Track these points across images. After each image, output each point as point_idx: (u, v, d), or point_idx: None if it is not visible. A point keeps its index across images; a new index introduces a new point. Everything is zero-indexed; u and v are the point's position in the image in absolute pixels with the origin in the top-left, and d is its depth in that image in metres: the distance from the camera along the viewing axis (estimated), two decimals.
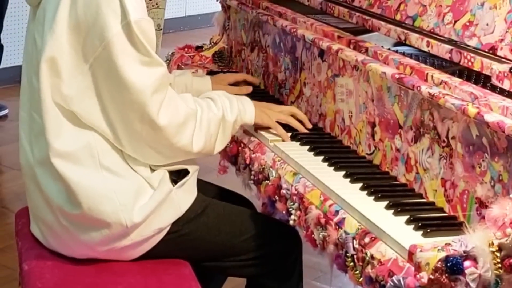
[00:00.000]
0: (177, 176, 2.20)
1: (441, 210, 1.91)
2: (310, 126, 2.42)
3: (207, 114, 2.21)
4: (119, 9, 2.02)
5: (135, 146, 2.12)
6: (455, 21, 2.06)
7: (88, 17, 2.03)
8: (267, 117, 2.38)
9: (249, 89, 2.67)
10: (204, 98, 2.28)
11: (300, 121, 2.42)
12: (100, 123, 2.10)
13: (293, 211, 2.08)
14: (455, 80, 1.92)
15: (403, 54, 2.21)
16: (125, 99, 2.06)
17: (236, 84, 2.71)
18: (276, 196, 2.18)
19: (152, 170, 2.17)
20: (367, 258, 1.77)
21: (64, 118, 2.09)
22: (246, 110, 2.33)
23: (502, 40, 1.89)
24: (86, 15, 2.03)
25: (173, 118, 2.11)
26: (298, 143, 2.32)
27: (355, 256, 1.82)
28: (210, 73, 2.99)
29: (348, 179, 2.07)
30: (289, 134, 2.37)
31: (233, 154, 2.47)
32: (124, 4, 2.02)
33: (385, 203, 1.92)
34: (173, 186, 2.17)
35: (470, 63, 1.94)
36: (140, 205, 2.11)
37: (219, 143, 2.26)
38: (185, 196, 2.20)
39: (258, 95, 2.74)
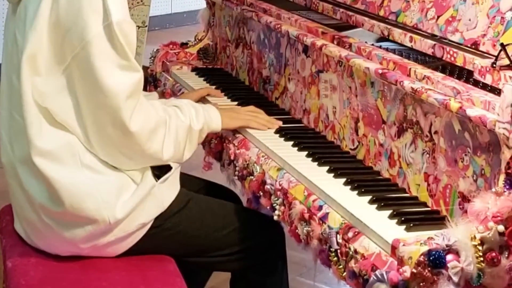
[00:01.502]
0: (159, 171, 2.19)
1: (424, 204, 1.92)
2: (278, 124, 2.41)
3: (175, 121, 2.19)
4: (102, 9, 1.99)
5: (106, 150, 2.10)
6: (438, 17, 2.06)
7: (69, 15, 2.01)
8: (235, 120, 2.38)
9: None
10: (171, 106, 2.26)
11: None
12: (73, 123, 2.08)
13: (277, 207, 2.09)
14: (437, 75, 1.93)
15: (387, 49, 2.22)
16: (100, 101, 2.04)
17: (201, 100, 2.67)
18: (260, 192, 2.18)
19: (132, 168, 2.15)
20: (351, 252, 1.78)
21: (42, 116, 2.08)
22: (212, 119, 2.32)
23: (484, 35, 1.90)
24: (67, 13, 2.01)
25: (145, 124, 2.09)
26: (282, 138, 2.33)
27: (338, 251, 1.82)
28: (195, 69, 3.00)
29: (332, 174, 2.07)
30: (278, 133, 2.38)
31: (218, 150, 2.47)
32: (106, 4, 1.99)
33: (368, 197, 1.93)
34: (156, 181, 2.16)
35: (452, 58, 1.94)
36: (123, 201, 2.11)
37: (187, 150, 2.24)
38: (168, 191, 2.20)
39: (243, 92, 2.75)
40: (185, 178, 2.30)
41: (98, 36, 1.99)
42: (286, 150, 2.24)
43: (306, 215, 1.96)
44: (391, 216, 1.83)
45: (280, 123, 2.42)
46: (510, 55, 1.77)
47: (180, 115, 2.22)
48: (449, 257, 1.57)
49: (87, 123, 2.07)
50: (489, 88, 1.83)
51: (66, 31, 2.02)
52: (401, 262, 1.59)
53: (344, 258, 1.80)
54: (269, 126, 2.40)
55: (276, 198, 2.10)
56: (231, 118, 2.38)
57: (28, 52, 2.04)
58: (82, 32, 2.00)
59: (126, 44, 2.02)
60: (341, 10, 2.40)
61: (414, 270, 1.56)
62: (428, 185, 1.92)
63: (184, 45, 3.15)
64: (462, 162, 1.82)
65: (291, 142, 2.29)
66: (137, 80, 2.07)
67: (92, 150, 2.10)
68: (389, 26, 2.18)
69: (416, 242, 1.59)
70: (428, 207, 1.91)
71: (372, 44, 2.28)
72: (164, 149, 2.15)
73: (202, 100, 2.64)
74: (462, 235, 1.59)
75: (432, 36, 2.05)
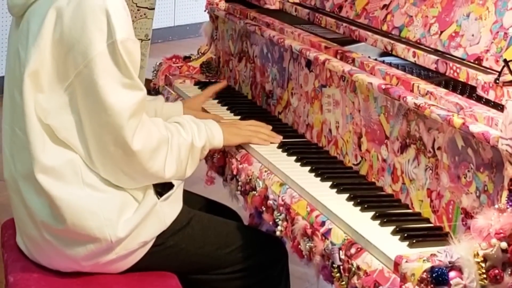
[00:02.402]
0: (162, 188, 2.19)
1: (427, 220, 1.92)
2: (279, 139, 2.40)
3: (177, 139, 2.18)
4: (106, 27, 1.98)
5: (107, 168, 2.09)
6: (441, 32, 2.06)
7: (73, 32, 2.00)
8: (236, 137, 2.36)
9: (222, 119, 2.59)
10: (172, 123, 2.25)
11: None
12: (75, 141, 2.07)
13: (279, 222, 2.08)
14: (440, 91, 1.92)
15: (390, 64, 2.22)
16: (102, 120, 2.03)
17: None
18: (263, 207, 2.17)
19: (134, 187, 2.15)
20: (353, 269, 1.77)
21: (45, 133, 2.07)
22: (215, 136, 2.30)
23: (487, 50, 1.90)
24: (71, 30, 2.00)
25: (147, 143, 2.08)
26: (285, 153, 2.32)
27: (341, 267, 1.82)
28: (198, 83, 3.00)
29: (335, 190, 2.07)
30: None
31: (220, 165, 2.46)
32: (111, 22, 1.98)
33: (371, 213, 1.92)
34: (158, 198, 2.16)
35: (455, 74, 1.94)
36: (125, 219, 2.10)
37: (189, 168, 2.23)
38: (170, 209, 2.19)
39: (245, 106, 2.75)
40: (185, 196, 2.29)
41: (101, 54, 1.98)
42: (289, 165, 2.23)
43: (309, 231, 1.95)
44: (394, 232, 1.82)
45: (281, 138, 2.41)
46: None
47: (182, 132, 2.21)
48: (452, 274, 1.56)
49: (89, 141, 2.06)
50: (492, 104, 1.83)
51: (69, 48, 2.00)
52: (403, 278, 1.58)
53: (346, 274, 1.80)
54: (271, 141, 2.39)
55: (278, 214, 2.09)
56: (233, 134, 2.36)
57: (31, 69, 2.03)
58: (86, 50, 1.98)
59: (129, 63, 2.01)
60: (344, 24, 2.40)
61: (417, 287, 1.55)
62: (431, 201, 1.91)
63: (187, 58, 3.15)
64: (465, 178, 1.81)
65: (294, 157, 2.29)
66: (140, 99, 2.06)
67: (94, 168, 2.09)
68: (392, 41, 2.18)
69: (419, 259, 1.59)
70: (431, 223, 1.91)
71: (375, 59, 2.28)
72: (166, 167, 2.13)
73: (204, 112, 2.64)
74: (465, 252, 1.58)
75: (435, 51, 2.05)
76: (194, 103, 2.67)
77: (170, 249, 2.20)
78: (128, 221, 2.09)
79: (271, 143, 2.38)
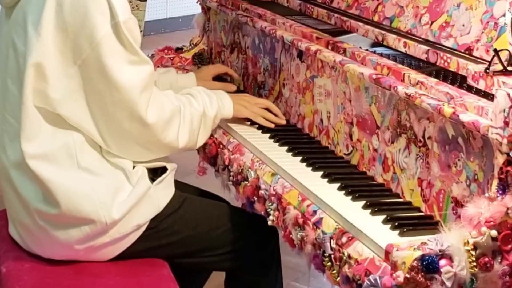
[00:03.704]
0: (154, 174, 2.22)
1: (418, 209, 1.92)
2: (284, 121, 2.47)
3: (189, 109, 2.25)
4: (107, 10, 2.03)
5: (122, 145, 2.14)
6: (432, 22, 2.07)
7: (76, 19, 2.03)
8: (245, 110, 2.44)
9: (233, 87, 2.68)
10: (184, 94, 2.32)
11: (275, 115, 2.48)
12: (86, 124, 2.11)
13: (271, 212, 2.09)
14: (431, 81, 1.93)
15: (381, 54, 2.23)
16: (114, 98, 2.08)
17: (218, 76, 2.75)
18: (254, 197, 2.18)
19: (132, 166, 2.18)
20: (344, 257, 1.78)
21: (45, 121, 2.09)
22: (225, 106, 2.38)
23: (478, 40, 1.91)
24: (73, 17, 2.03)
25: (160, 115, 2.15)
26: (277, 143, 2.33)
27: (332, 256, 1.83)
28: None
29: (326, 179, 2.08)
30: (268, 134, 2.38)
31: (212, 155, 2.47)
32: (112, 4, 2.03)
33: (362, 203, 1.93)
34: (151, 183, 2.18)
35: (446, 64, 1.95)
36: (119, 201, 2.12)
37: (201, 137, 2.30)
38: (163, 192, 2.21)
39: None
40: (178, 186, 2.30)
41: (107, 36, 2.03)
42: (281, 155, 2.24)
43: (300, 220, 1.96)
44: (385, 221, 1.83)
45: (284, 122, 2.47)
46: (503, 60, 1.77)
47: (194, 103, 2.28)
48: (442, 262, 1.57)
49: (101, 122, 2.11)
50: (483, 93, 1.83)
51: (74, 34, 2.04)
52: (394, 267, 1.59)
53: (338, 263, 1.80)
54: (276, 122, 2.45)
55: (270, 203, 2.10)
56: (242, 106, 2.44)
57: (34, 60, 2.05)
58: (91, 34, 2.03)
59: (133, 40, 2.06)
60: (336, 15, 2.41)
61: (408, 275, 1.56)
62: (422, 190, 1.92)
63: (179, 50, 3.15)
64: (455, 167, 1.82)
65: (286, 147, 2.29)
66: (149, 73, 2.12)
67: (107, 148, 2.14)
68: (383, 32, 2.19)
69: (409, 247, 1.59)
70: (421, 212, 1.92)
71: (367, 49, 2.28)
72: (179, 137, 2.21)
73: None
74: (455, 240, 1.59)
75: (426, 42, 2.06)
76: (205, 74, 2.73)
77: (163, 232, 2.23)
78: (122, 204, 2.12)
79: (262, 132, 2.41)
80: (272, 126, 2.44)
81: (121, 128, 2.12)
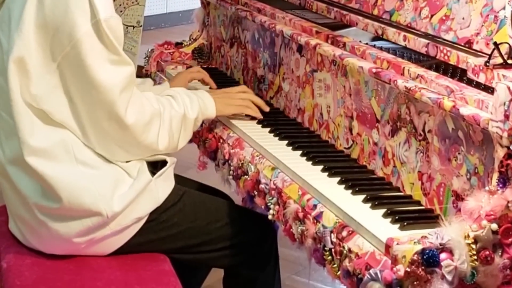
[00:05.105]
0: (154, 167, 2.22)
1: (418, 203, 1.92)
2: (267, 109, 2.46)
3: (169, 111, 2.22)
4: (88, 7, 2.02)
5: (103, 144, 2.13)
6: (432, 15, 2.06)
7: (57, 15, 2.02)
8: (229, 107, 2.42)
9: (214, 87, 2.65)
10: (164, 96, 2.29)
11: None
12: (70, 121, 2.11)
13: (271, 206, 2.09)
14: (431, 74, 1.93)
15: (381, 48, 2.22)
16: (94, 98, 2.07)
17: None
18: (255, 191, 2.18)
19: (129, 160, 2.18)
20: (345, 251, 1.78)
21: (35, 116, 2.09)
22: (207, 106, 2.35)
23: (478, 34, 1.90)
24: (54, 13, 2.02)
25: (140, 117, 2.13)
26: (277, 138, 2.33)
27: (332, 250, 1.83)
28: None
29: (326, 173, 2.08)
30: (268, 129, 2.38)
31: (213, 149, 2.47)
32: (93, 2, 2.01)
33: (362, 196, 1.93)
34: (151, 176, 2.18)
35: (446, 57, 1.94)
36: (119, 194, 2.12)
37: (182, 140, 2.27)
38: (163, 186, 2.22)
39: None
40: (178, 180, 2.30)
41: (87, 34, 2.02)
42: (281, 150, 2.24)
43: (301, 214, 1.96)
44: (385, 215, 1.83)
45: (268, 109, 2.47)
46: (503, 53, 1.77)
47: (174, 105, 2.25)
48: (442, 255, 1.57)
49: (83, 119, 2.10)
50: (483, 86, 1.83)
51: (54, 31, 2.03)
52: (395, 261, 1.59)
53: (338, 257, 1.80)
54: (263, 109, 2.45)
55: (270, 198, 2.10)
56: (226, 104, 2.41)
57: (15, 55, 2.05)
58: (71, 31, 2.01)
59: (114, 39, 2.04)
60: (335, 9, 2.40)
61: (408, 269, 1.56)
62: (422, 183, 1.92)
63: (178, 44, 3.15)
64: (455, 160, 1.82)
65: (286, 141, 2.29)
66: (129, 73, 2.10)
67: (90, 145, 2.12)
68: (383, 25, 2.19)
69: (410, 241, 1.60)
70: (422, 205, 1.91)
71: (366, 43, 2.28)
72: (159, 140, 2.18)
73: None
74: (455, 233, 1.59)
75: (426, 35, 2.06)
76: (180, 80, 2.66)
77: (163, 224, 2.23)
78: (123, 196, 2.12)
79: (262, 126, 2.40)
80: (261, 116, 2.43)
81: (101, 128, 2.10)
